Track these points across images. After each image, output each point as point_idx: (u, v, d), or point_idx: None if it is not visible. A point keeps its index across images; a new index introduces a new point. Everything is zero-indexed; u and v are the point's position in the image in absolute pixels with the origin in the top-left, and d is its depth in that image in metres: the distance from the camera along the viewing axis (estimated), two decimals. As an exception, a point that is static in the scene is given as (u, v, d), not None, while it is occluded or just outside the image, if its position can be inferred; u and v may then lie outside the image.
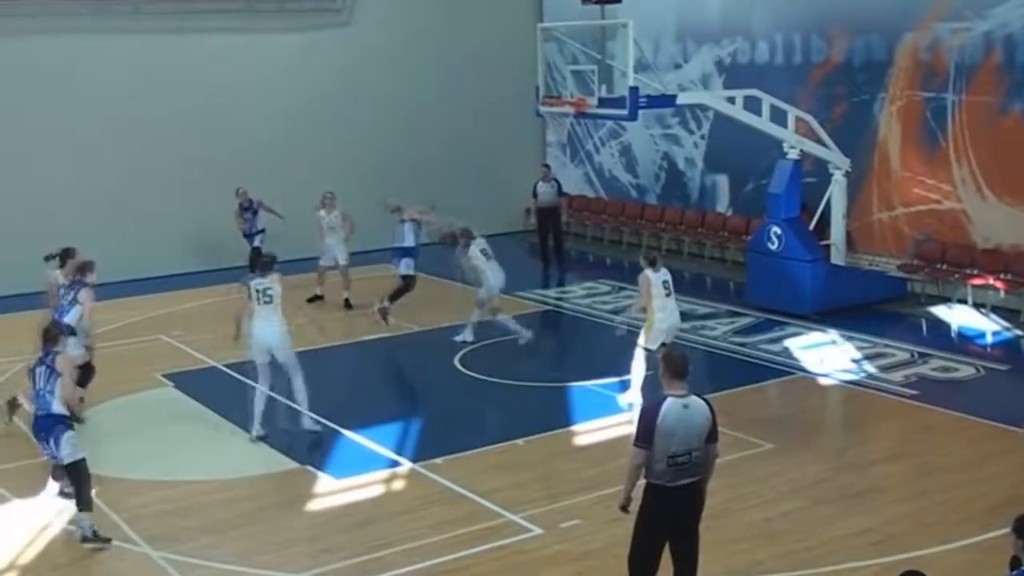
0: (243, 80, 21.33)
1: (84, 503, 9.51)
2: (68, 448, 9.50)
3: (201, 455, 11.84)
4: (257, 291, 12.04)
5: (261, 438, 11.96)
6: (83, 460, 9.57)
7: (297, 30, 22.05)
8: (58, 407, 9.52)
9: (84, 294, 12.67)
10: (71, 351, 12.63)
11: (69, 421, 9.64)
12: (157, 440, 12.36)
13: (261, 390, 12.14)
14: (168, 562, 9.25)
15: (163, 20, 20.64)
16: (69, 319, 12.70)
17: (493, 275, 15.19)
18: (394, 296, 16.44)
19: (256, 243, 18.93)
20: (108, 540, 9.52)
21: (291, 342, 12.22)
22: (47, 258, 13.43)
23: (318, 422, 12.21)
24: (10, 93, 19.38)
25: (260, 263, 12.58)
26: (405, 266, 16.52)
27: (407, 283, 16.52)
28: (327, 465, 11.28)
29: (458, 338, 15.51)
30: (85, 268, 12.91)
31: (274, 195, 19.87)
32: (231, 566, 9.16)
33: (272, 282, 12.10)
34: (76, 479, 9.53)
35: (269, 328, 12.03)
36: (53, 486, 10.22)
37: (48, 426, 9.53)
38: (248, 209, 18.95)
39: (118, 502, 10.28)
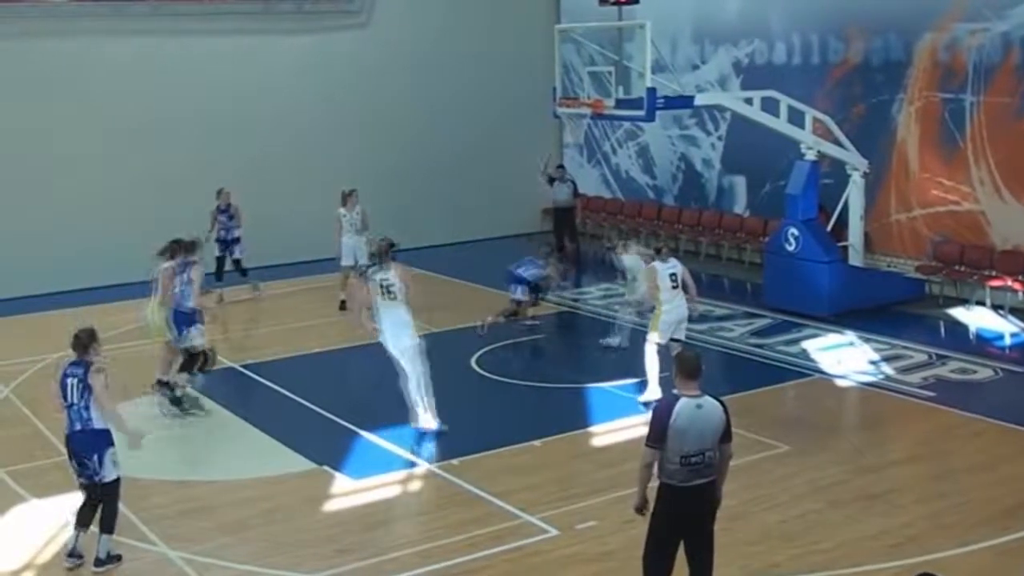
0: (261, 81, 21.41)
1: (109, 525, 9.18)
2: (110, 465, 9.08)
3: (218, 455, 11.89)
4: (379, 286, 11.68)
5: (442, 431, 11.93)
6: (119, 480, 9.19)
7: (315, 31, 22.12)
8: (101, 423, 9.06)
9: (196, 272, 12.71)
10: (195, 340, 12.72)
11: (111, 436, 9.14)
12: (174, 441, 12.42)
13: (405, 380, 11.95)
14: (185, 562, 9.28)
15: (180, 22, 20.74)
16: (191, 301, 12.72)
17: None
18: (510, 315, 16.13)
19: (236, 254, 18.47)
20: (119, 558, 9.25)
21: (418, 339, 11.89)
22: (160, 253, 13.08)
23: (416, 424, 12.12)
24: (23, 94, 19.46)
25: (379, 250, 11.97)
26: (522, 291, 16.18)
27: (520, 307, 16.23)
28: (344, 466, 11.29)
29: (613, 342, 15.23)
30: (190, 247, 12.93)
31: (290, 196, 19.92)
32: (248, 566, 9.18)
33: (393, 276, 11.67)
34: (108, 498, 9.16)
35: (394, 324, 11.69)
36: (72, 535, 9.39)
37: (92, 442, 9.03)
38: (224, 212, 18.42)
39: (136, 502, 10.27)
